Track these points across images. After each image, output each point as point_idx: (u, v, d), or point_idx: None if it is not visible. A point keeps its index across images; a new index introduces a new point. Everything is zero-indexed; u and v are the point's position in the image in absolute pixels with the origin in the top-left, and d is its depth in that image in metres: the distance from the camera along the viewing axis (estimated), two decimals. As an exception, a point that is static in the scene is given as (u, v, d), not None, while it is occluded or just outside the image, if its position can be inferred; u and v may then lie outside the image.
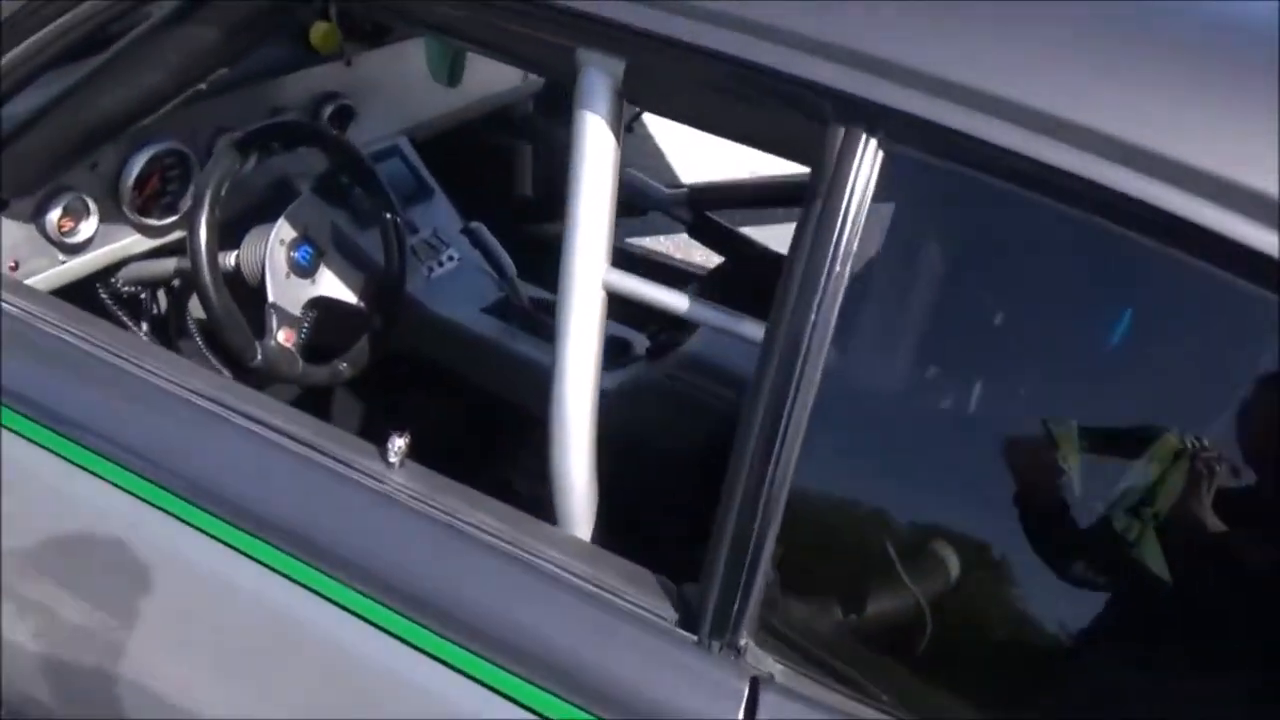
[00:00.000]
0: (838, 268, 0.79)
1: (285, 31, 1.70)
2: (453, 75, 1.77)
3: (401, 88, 1.97)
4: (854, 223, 0.79)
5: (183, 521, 1.05)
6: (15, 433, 1.14)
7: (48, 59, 1.19)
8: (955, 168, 0.78)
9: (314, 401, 1.97)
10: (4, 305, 1.21)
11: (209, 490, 1.05)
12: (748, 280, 2.12)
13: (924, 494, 0.86)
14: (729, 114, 0.93)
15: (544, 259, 1.88)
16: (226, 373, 1.59)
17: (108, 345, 1.16)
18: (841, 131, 0.80)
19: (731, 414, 1.63)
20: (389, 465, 1.03)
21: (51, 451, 1.12)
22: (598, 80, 0.95)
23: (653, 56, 0.90)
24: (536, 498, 1.73)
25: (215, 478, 1.06)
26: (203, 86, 1.27)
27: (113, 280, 1.63)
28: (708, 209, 2.13)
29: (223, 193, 1.45)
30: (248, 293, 1.56)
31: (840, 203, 0.80)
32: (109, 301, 1.62)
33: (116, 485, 1.08)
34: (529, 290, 1.83)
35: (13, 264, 1.47)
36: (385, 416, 2.04)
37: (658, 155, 3.10)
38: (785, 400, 0.82)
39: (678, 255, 2.80)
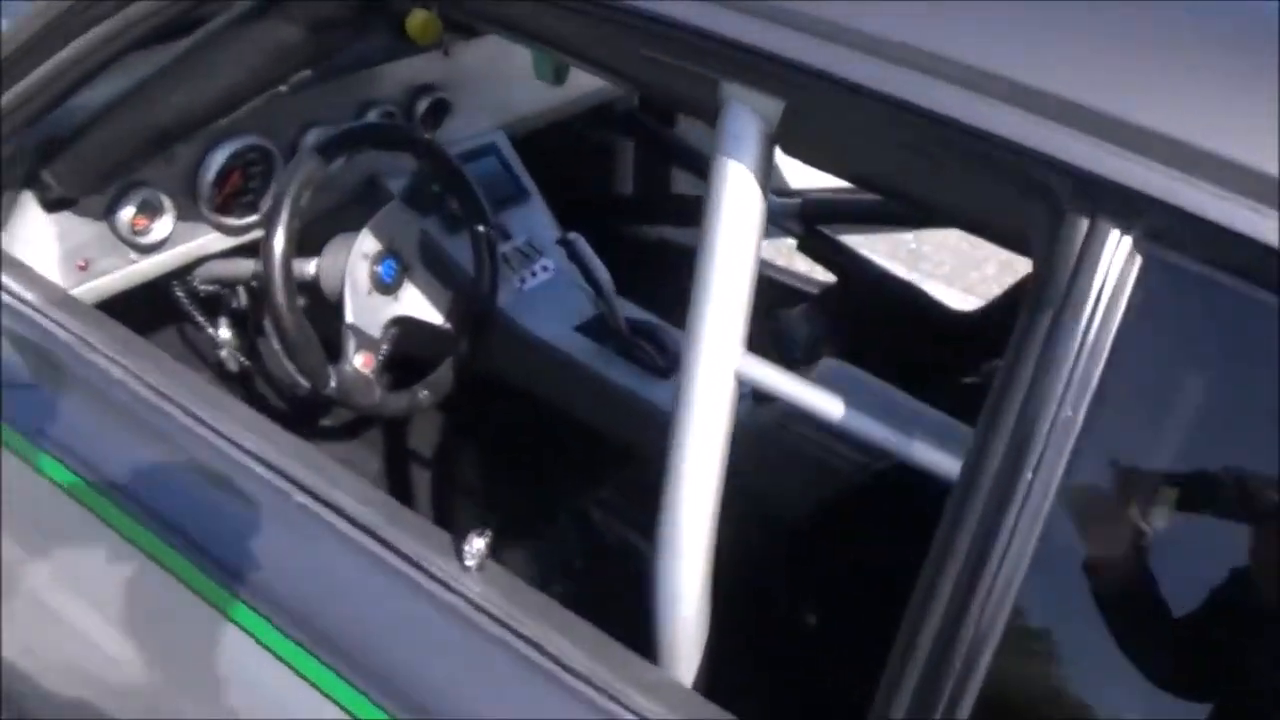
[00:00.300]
0: (1068, 410, 0.61)
1: (379, 22, 1.56)
2: (559, 74, 1.62)
3: (501, 81, 1.82)
4: (1094, 346, 0.61)
5: (215, 608, 0.92)
6: (45, 475, 1.02)
7: (105, 59, 1.06)
8: (1237, 282, 0.59)
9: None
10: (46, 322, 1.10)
11: (252, 580, 0.91)
12: (863, 306, 1.94)
13: (1169, 674, 0.67)
14: (917, 181, 0.73)
15: (644, 267, 1.72)
16: (303, 382, 1.49)
17: (157, 384, 1.03)
18: (1084, 224, 0.61)
19: (855, 477, 1.46)
20: (464, 568, 0.88)
21: (79, 502, 1.00)
22: (745, 121, 0.77)
23: (821, 101, 0.72)
24: (622, 540, 1.57)
25: (261, 564, 0.92)
26: (283, 88, 1.14)
27: (189, 279, 1.53)
28: (821, 223, 1.95)
29: (303, 201, 1.33)
30: (326, 304, 1.43)
31: (1078, 319, 0.61)
32: (184, 300, 1.52)
33: (151, 555, 0.96)
34: (627, 309, 1.67)
35: (82, 263, 1.38)
36: (460, 436, 1.91)
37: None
38: (987, 561, 0.64)
39: (779, 262, 2.60)
